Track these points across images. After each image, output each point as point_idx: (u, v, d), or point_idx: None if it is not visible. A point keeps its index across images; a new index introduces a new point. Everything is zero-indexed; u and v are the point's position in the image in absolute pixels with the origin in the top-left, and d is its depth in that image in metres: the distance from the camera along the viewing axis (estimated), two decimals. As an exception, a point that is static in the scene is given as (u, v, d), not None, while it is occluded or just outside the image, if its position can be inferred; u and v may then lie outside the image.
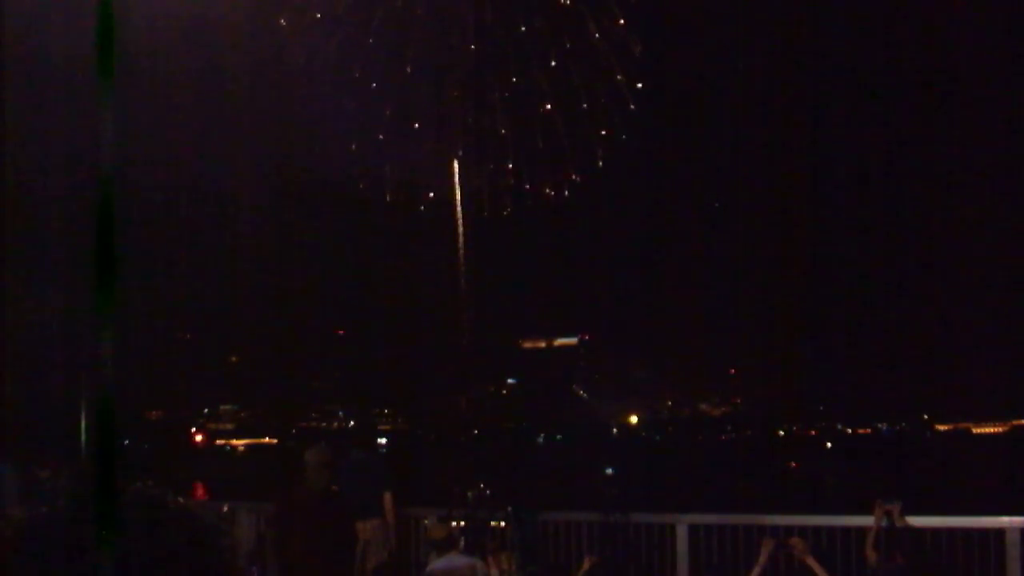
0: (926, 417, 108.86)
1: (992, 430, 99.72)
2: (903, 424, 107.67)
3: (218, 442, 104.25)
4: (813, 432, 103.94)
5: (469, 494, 9.56)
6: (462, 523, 9.17)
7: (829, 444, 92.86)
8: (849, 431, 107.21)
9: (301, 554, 6.05)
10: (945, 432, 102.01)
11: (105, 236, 1.98)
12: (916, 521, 8.11)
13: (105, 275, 1.99)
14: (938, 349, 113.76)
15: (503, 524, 9.23)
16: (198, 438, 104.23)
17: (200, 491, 14.25)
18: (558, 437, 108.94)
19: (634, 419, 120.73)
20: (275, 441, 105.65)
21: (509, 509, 9.29)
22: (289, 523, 5.95)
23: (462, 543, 8.38)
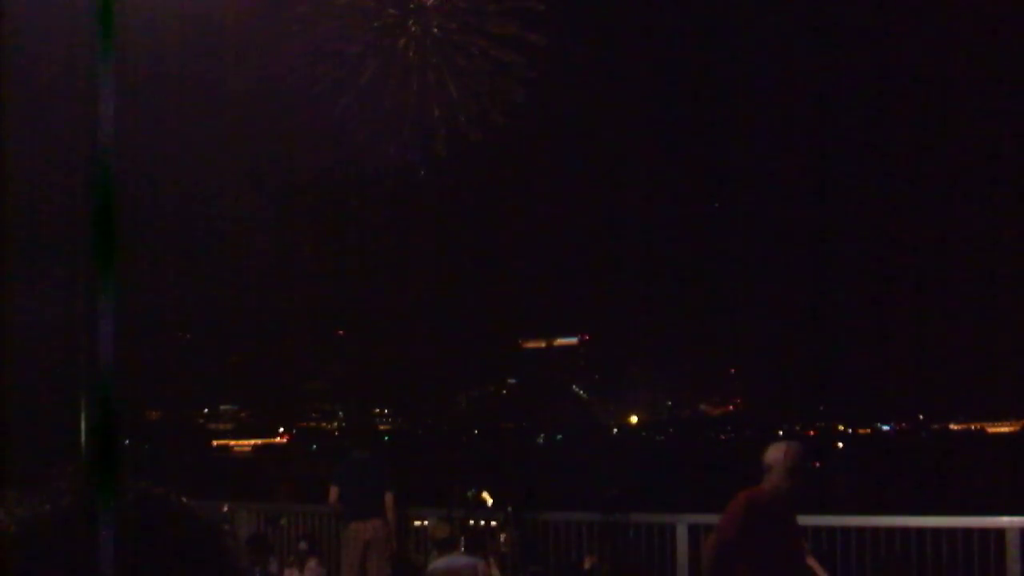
0: (922, 417, 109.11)
1: (1005, 429, 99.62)
2: (903, 424, 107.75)
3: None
4: (812, 432, 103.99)
5: (469, 494, 9.54)
6: (462, 523, 9.16)
7: (840, 444, 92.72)
8: (849, 431, 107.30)
9: (777, 555, 5.66)
10: (958, 431, 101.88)
11: (104, 233, 1.98)
12: (916, 521, 8.11)
13: (105, 273, 1.99)
14: (945, 349, 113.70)
15: (503, 524, 9.23)
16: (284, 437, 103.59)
17: (287, 490, 14.26)
18: (558, 437, 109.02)
19: (634, 419, 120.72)
20: (284, 440, 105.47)
21: (509, 509, 9.28)
22: (756, 525, 5.53)
23: (463, 543, 8.38)
